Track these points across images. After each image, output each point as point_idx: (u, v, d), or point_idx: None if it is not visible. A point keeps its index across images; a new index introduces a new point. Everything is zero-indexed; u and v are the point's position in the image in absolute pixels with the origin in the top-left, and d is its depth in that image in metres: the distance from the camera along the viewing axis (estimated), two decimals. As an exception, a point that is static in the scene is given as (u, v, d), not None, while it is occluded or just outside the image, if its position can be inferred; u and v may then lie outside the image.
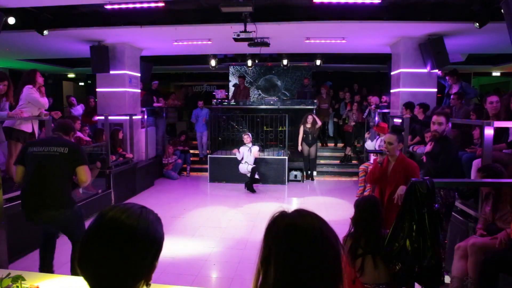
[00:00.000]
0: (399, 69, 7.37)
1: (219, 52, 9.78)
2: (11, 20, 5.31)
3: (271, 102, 10.19)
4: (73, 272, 2.63)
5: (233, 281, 3.89)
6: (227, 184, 8.45)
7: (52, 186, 3.06)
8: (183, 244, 4.87)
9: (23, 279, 1.87)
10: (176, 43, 7.56)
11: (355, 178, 8.64)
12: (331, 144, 10.75)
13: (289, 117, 9.13)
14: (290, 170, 8.70)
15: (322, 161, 9.77)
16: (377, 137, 7.44)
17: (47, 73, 13.64)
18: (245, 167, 7.81)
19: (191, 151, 9.82)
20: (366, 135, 8.02)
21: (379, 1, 5.45)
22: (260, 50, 7.68)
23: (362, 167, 7.37)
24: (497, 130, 3.77)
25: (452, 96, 6.33)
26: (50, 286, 1.95)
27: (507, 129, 4.00)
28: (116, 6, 5.47)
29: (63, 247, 3.42)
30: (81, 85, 15.58)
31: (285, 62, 10.09)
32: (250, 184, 7.78)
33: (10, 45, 8.04)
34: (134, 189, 7.51)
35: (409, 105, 6.59)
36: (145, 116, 8.66)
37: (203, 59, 10.12)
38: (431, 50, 6.68)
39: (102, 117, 6.96)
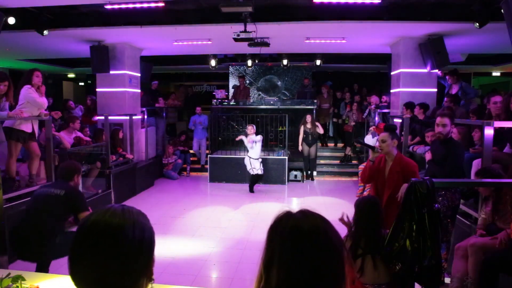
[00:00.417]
0: (399, 69, 7.37)
1: (219, 52, 9.77)
2: (11, 20, 5.31)
3: (271, 102, 10.20)
4: None
5: (233, 281, 3.89)
6: (227, 184, 8.45)
7: (42, 225, 3.08)
8: (183, 244, 4.87)
9: (23, 279, 1.88)
10: (176, 43, 7.56)
11: (355, 178, 8.64)
12: (331, 144, 10.75)
13: (289, 117, 9.13)
14: (290, 170, 8.69)
15: (322, 161, 9.77)
16: (377, 136, 7.45)
17: (47, 73, 13.62)
18: (248, 163, 7.64)
19: (191, 151, 9.82)
20: (369, 131, 7.99)
21: (379, 1, 5.45)
22: (260, 50, 7.68)
23: (361, 167, 7.37)
24: (498, 131, 3.76)
25: (445, 99, 6.32)
26: (50, 286, 1.95)
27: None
28: (116, 6, 5.47)
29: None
30: (81, 85, 15.58)
31: (285, 62, 10.09)
32: (250, 185, 7.76)
33: (10, 45, 8.04)
34: (134, 189, 7.51)
35: (409, 105, 6.59)
36: (145, 116, 8.66)
37: (203, 59, 10.11)
38: (431, 50, 6.68)
39: (102, 117, 6.97)
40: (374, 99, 8.68)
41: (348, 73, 13.01)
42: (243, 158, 8.50)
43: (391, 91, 7.91)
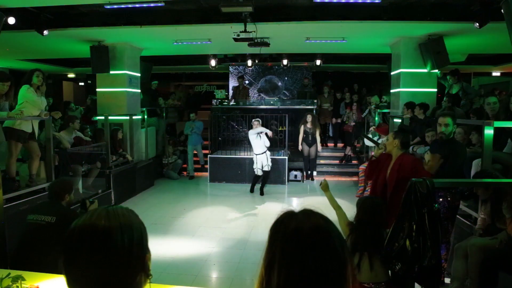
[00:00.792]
0: (399, 69, 7.36)
1: (219, 52, 9.77)
2: (11, 20, 5.31)
3: (271, 102, 10.20)
4: None
5: (233, 281, 3.89)
6: (227, 184, 8.45)
7: (39, 256, 2.83)
8: (183, 244, 4.87)
9: (23, 279, 1.88)
10: (176, 43, 7.56)
11: (355, 178, 8.64)
12: (331, 144, 10.74)
13: (289, 117, 9.12)
14: (290, 170, 8.69)
15: (322, 161, 9.77)
16: (377, 137, 7.45)
17: (47, 73, 13.60)
18: (264, 157, 7.41)
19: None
20: (369, 131, 7.96)
21: (379, 1, 5.45)
22: (260, 50, 7.67)
23: (362, 167, 7.38)
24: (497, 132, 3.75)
25: (445, 99, 6.32)
26: (50, 286, 1.95)
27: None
28: (116, 6, 5.48)
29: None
30: (81, 85, 15.58)
31: (285, 62, 10.08)
32: (261, 187, 7.57)
33: (10, 45, 8.04)
34: (134, 189, 7.51)
35: (410, 105, 6.59)
36: (145, 116, 8.66)
37: (203, 59, 10.11)
38: (431, 50, 6.68)
39: (102, 117, 6.97)
40: (374, 99, 8.67)
41: (348, 73, 13.00)
42: (243, 158, 8.52)
43: (391, 91, 7.91)
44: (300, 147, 8.60)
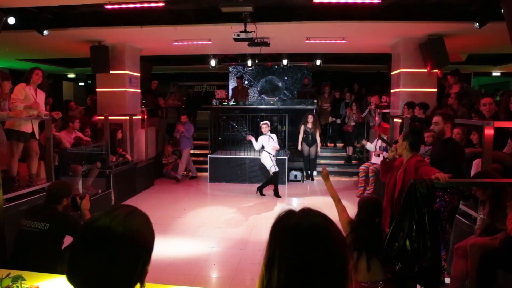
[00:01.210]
0: (399, 69, 7.37)
1: (219, 52, 9.77)
2: (11, 20, 5.31)
3: (271, 102, 10.19)
4: None
5: (233, 281, 3.89)
6: (227, 184, 8.45)
7: (35, 262, 2.72)
8: (183, 244, 4.87)
9: (23, 279, 1.88)
10: (176, 43, 7.56)
11: (355, 178, 8.64)
12: (331, 144, 10.75)
13: (289, 117, 9.13)
14: (290, 170, 8.69)
15: (322, 161, 9.77)
16: (377, 137, 7.45)
17: (47, 73, 13.60)
18: (268, 159, 7.26)
19: (191, 151, 9.80)
20: (364, 142, 7.96)
21: (379, 1, 5.45)
22: (260, 50, 7.68)
23: (362, 167, 7.38)
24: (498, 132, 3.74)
25: (451, 95, 6.32)
26: (50, 286, 1.95)
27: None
28: (116, 6, 5.47)
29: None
30: (81, 85, 15.59)
31: (285, 62, 10.09)
32: (275, 190, 7.32)
33: (10, 45, 8.04)
34: (134, 189, 7.51)
35: (411, 105, 6.60)
36: (145, 116, 8.66)
37: (203, 59, 10.11)
38: (431, 50, 6.68)
39: (102, 117, 6.97)
40: (374, 99, 8.67)
41: (348, 73, 13.01)
42: (243, 158, 8.52)
43: (391, 91, 7.91)
44: (299, 147, 8.60)
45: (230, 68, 12.28)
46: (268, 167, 7.33)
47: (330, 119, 10.13)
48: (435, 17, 5.95)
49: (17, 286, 1.86)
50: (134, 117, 7.96)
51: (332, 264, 0.87)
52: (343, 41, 7.35)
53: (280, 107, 9.77)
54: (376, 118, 8.22)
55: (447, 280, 3.20)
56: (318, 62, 10.05)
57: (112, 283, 0.89)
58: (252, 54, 9.82)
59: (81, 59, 10.75)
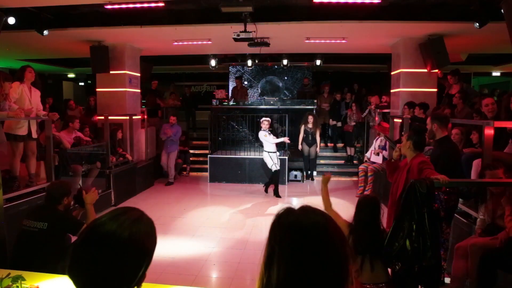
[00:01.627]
0: (399, 69, 7.37)
1: (219, 52, 9.77)
2: (11, 20, 5.31)
3: (271, 102, 10.18)
4: None
5: (233, 281, 3.89)
6: (227, 184, 8.45)
7: (31, 263, 2.74)
8: (183, 244, 4.87)
9: (23, 279, 1.88)
10: (176, 43, 7.56)
11: (355, 178, 8.64)
12: (331, 144, 10.75)
13: (289, 117, 9.12)
14: (290, 170, 8.69)
15: (322, 161, 9.77)
16: (377, 136, 7.45)
17: (47, 73, 13.64)
18: (268, 159, 7.23)
19: (191, 151, 9.81)
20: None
21: (379, 1, 5.45)
22: (260, 50, 7.68)
23: (361, 167, 7.38)
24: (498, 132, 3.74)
25: (456, 94, 6.30)
26: (50, 286, 1.95)
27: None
28: (116, 6, 5.47)
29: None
30: (81, 85, 15.59)
31: (285, 62, 10.09)
32: (275, 190, 7.29)
33: (10, 45, 8.04)
34: (134, 189, 7.51)
35: (411, 105, 6.60)
36: (145, 116, 8.66)
37: (203, 59, 10.12)
38: (431, 50, 6.68)
39: (102, 117, 6.97)
40: (374, 99, 8.67)
41: (348, 73, 13.01)
42: (243, 158, 8.52)
43: (391, 91, 7.91)
44: (300, 147, 8.60)
45: (230, 68, 12.28)
46: (269, 166, 7.35)
47: (331, 122, 10.11)
48: (435, 17, 5.95)
49: (17, 286, 1.86)
50: (134, 117, 7.96)
51: (331, 261, 0.87)
52: (343, 41, 7.36)
53: (280, 107, 9.77)
54: (376, 118, 8.21)
55: (447, 280, 3.20)
56: (318, 62, 10.05)
57: (113, 284, 0.90)
58: (252, 54, 9.82)
59: (81, 59, 10.74)
